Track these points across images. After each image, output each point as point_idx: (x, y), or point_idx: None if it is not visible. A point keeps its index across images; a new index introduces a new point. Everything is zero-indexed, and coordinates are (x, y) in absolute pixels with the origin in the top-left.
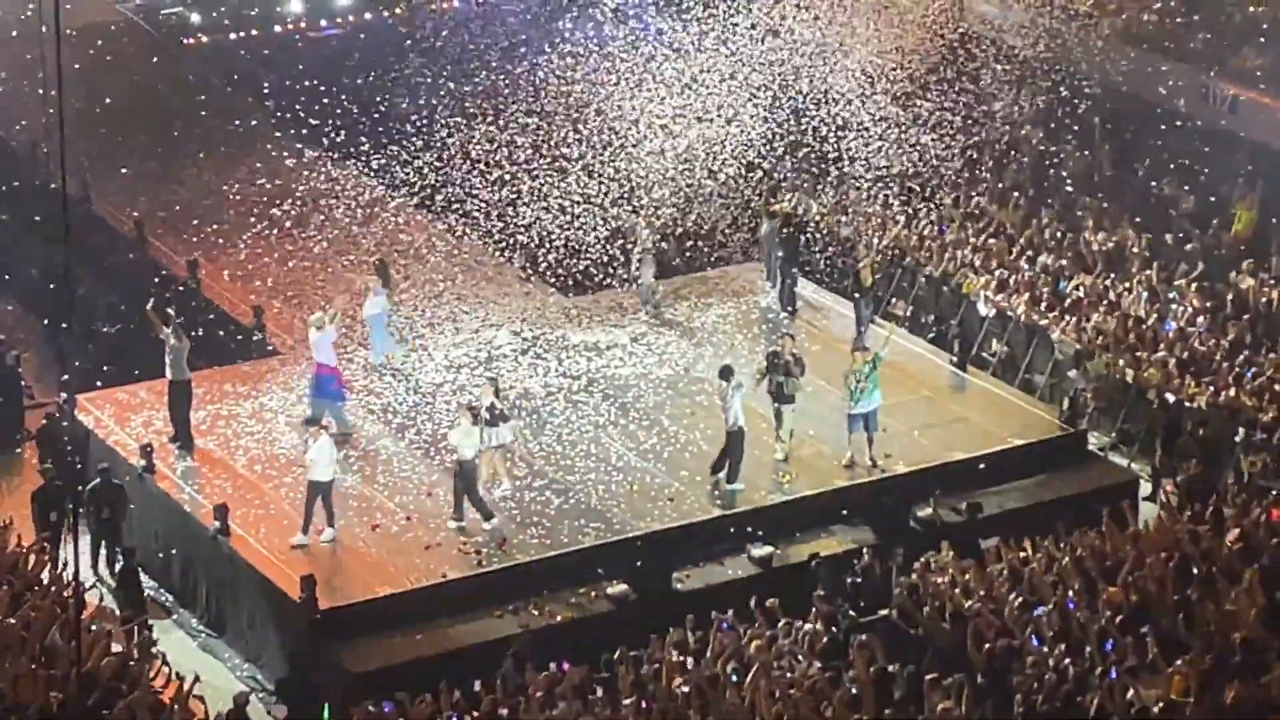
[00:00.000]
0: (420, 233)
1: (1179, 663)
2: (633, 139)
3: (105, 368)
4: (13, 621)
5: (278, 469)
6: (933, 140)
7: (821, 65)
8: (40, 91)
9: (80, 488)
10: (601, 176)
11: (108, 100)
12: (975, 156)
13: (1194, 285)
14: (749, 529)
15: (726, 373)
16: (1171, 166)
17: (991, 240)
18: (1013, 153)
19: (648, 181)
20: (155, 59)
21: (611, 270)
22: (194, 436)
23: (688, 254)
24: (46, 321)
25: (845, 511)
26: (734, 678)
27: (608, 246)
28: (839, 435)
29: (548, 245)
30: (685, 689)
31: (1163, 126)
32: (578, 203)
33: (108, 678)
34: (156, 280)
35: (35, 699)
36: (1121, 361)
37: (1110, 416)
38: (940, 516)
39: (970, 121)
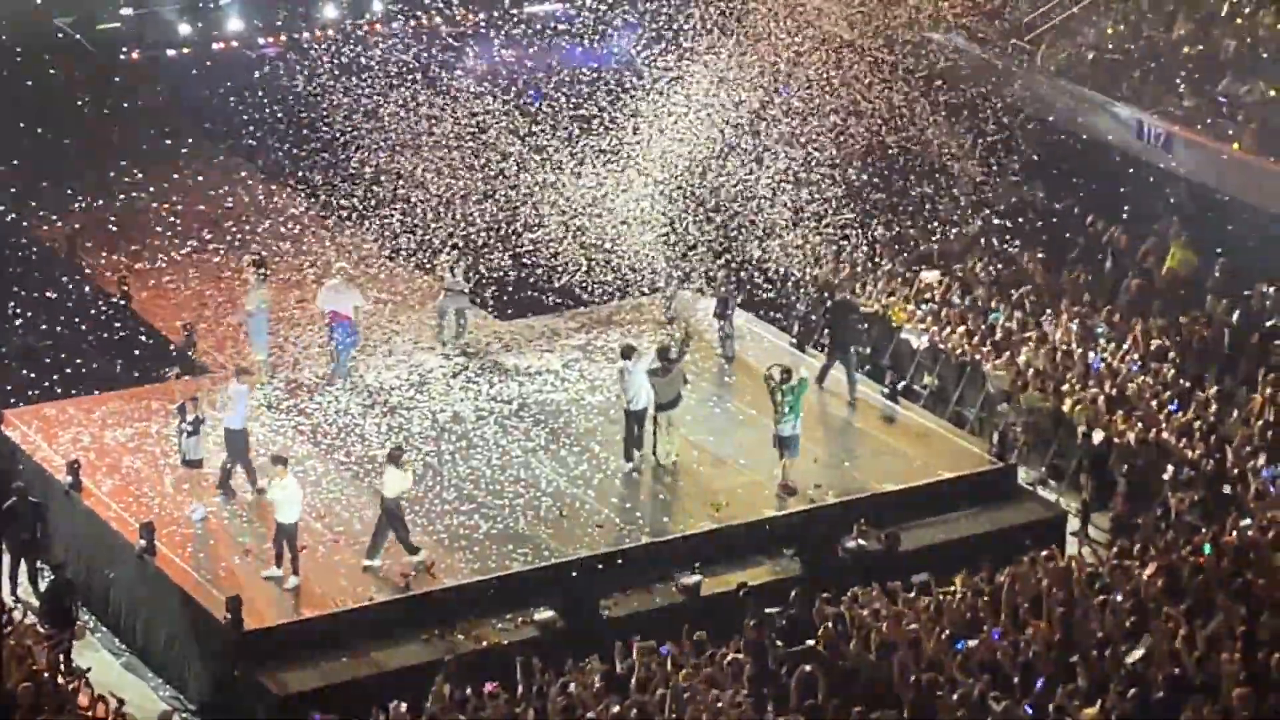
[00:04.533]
0: (353, 253)
1: (1101, 699)
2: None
3: (33, 382)
4: None
5: (205, 488)
6: (864, 171)
7: (751, 94)
8: None
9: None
10: (539, 200)
11: (41, 114)
12: (908, 187)
13: (1125, 321)
14: (678, 557)
15: (628, 351)
16: (1105, 202)
17: (924, 273)
18: (946, 185)
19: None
20: (90, 73)
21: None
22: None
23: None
24: None
25: (774, 541)
26: (661, 706)
27: (545, 271)
28: (769, 464)
29: (480, 267)
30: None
31: (1097, 161)
32: (514, 226)
33: (30, 697)
34: (90, 301)
35: None
36: (1051, 397)
37: (1040, 451)
38: (868, 547)
39: (904, 153)
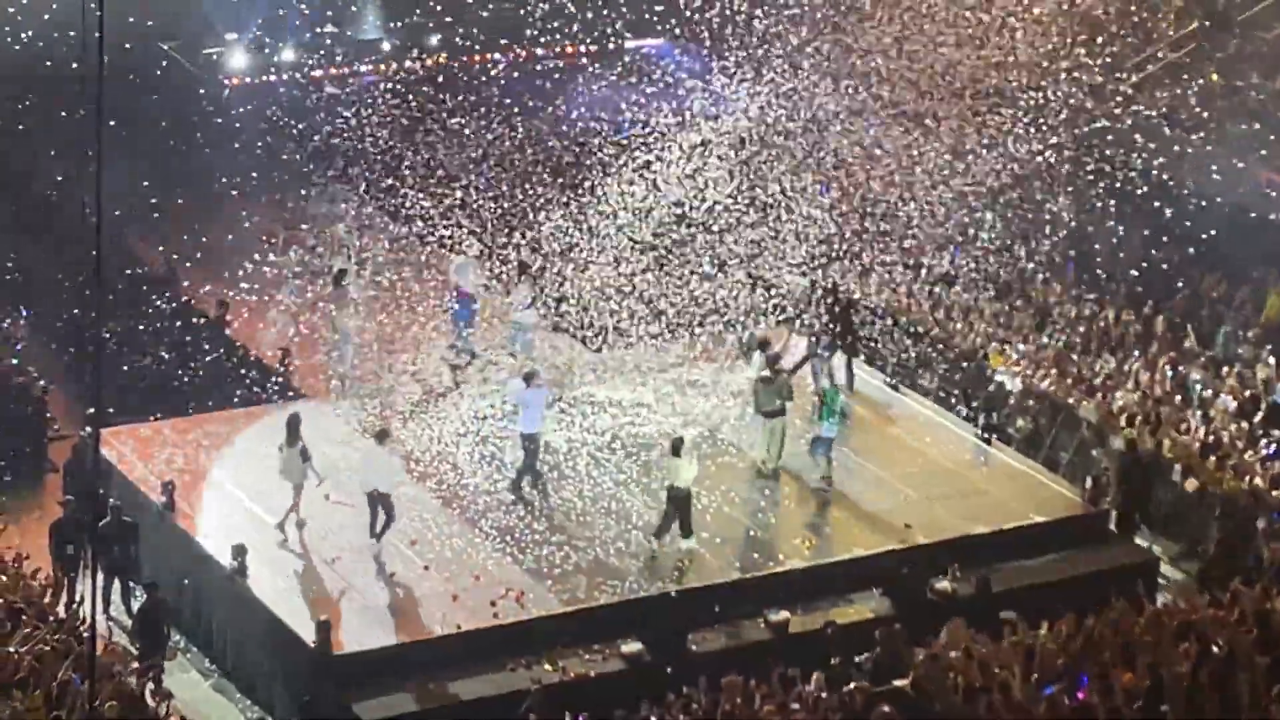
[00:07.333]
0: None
1: None
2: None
3: (130, 403)
4: (26, 656)
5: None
6: (965, 215)
7: (855, 131)
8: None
9: (97, 523)
10: (634, 235)
11: (143, 138)
12: (1006, 231)
13: (1221, 368)
14: (766, 594)
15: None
16: (1202, 248)
17: (1019, 315)
18: (1044, 228)
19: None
20: (193, 97)
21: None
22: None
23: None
24: (73, 355)
25: (863, 581)
26: None
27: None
28: (858, 502)
29: (576, 299)
30: None
31: (1195, 207)
32: (609, 259)
33: (119, 718)
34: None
35: None
36: (1146, 442)
37: None
38: (957, 589)
39: (1001, 196)
